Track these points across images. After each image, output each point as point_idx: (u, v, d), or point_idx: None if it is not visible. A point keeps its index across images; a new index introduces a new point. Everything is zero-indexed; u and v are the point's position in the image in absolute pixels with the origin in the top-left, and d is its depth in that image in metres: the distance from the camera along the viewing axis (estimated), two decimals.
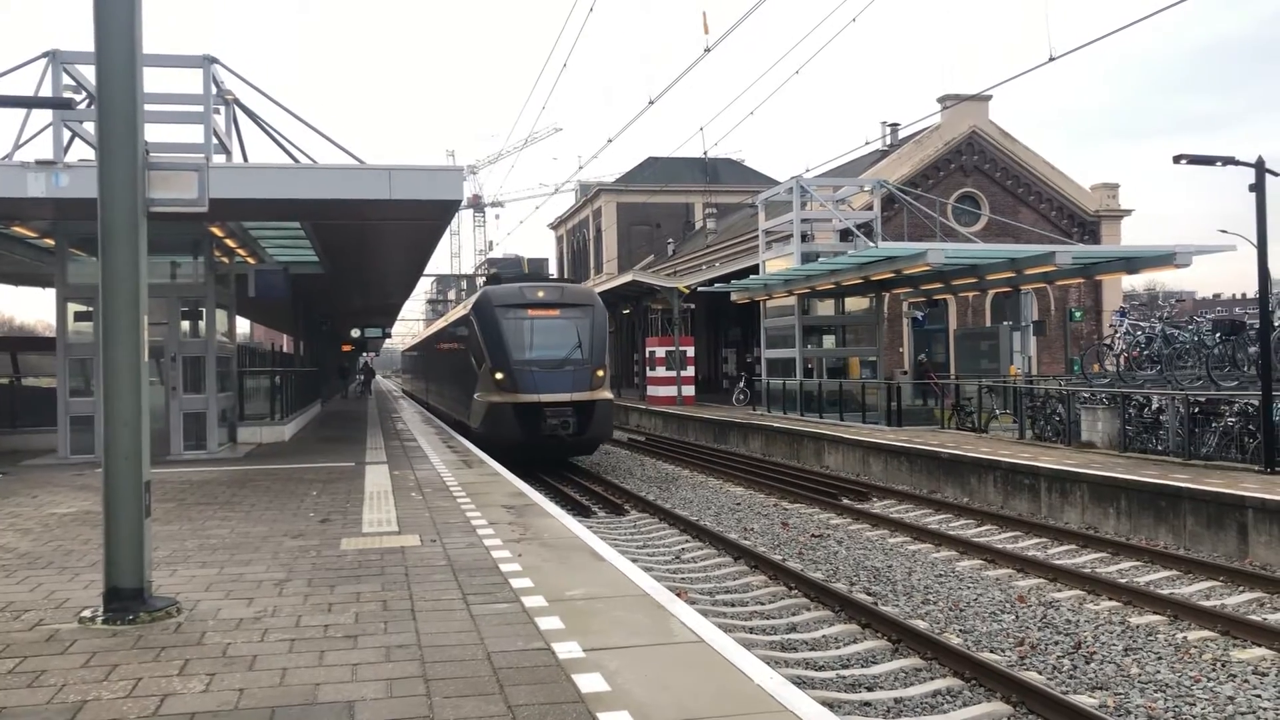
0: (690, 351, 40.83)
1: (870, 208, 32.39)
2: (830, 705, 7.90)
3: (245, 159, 18.54)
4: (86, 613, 6.88)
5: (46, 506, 12.22)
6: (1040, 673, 8.69)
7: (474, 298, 25.28)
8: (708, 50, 18.94)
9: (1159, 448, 17.48)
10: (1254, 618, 10.11)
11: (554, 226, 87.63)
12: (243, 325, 40.20)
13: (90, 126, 15.69)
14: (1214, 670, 8.72)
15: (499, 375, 21.64)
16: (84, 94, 16.83)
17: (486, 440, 21.59)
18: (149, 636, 6.40)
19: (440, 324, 39.57)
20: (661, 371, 39.34)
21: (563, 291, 23.68)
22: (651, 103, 23.10)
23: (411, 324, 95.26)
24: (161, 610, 6.86)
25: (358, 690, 5.31)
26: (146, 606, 6.85)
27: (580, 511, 17.48)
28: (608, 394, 22.89)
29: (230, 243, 19.89)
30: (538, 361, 21.85)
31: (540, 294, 23.13)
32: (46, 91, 16.37)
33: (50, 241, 18.27)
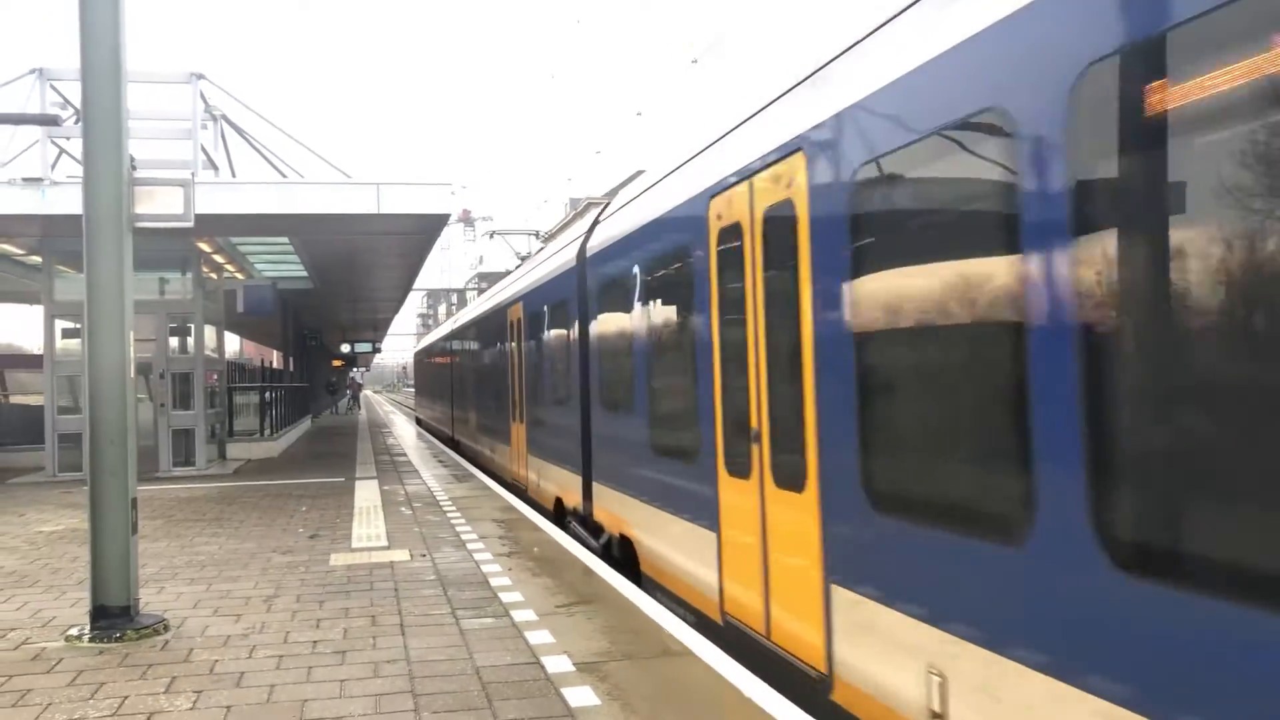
0: None
1: None
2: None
3: (234, 175, 18.53)
4: (73, 631, 6.84)
5: (34, 525, 12.15)
6: None
7: None
8: (694, 62, 19.02)
9: None
10: None
11: (544, 240, 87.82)
12: (232, 341, 40.13)
13: (77, 143, 15.70)
14: None
15: None
16: (71, 110, 16.81)
17: None
18: (136, 654, 6.35)
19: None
20: None
21: None
22: (639, 115, 23.00)
23: (404, 338, 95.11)
24: (149, 628, 6.82)
25: (345, 707, 5.28)
26: (134, 624, 6.81)
27: None
28: None
29: (219, 258, 19.88)
30: None
31: None
32: (34, 108, 16.35)
33: (37, 258, 18.23)
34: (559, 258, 12.53)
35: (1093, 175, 3.38)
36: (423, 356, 43.22)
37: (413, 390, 69.83)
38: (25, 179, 14.04)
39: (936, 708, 4.19)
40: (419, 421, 43.08)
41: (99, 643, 6.60)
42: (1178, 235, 3.10)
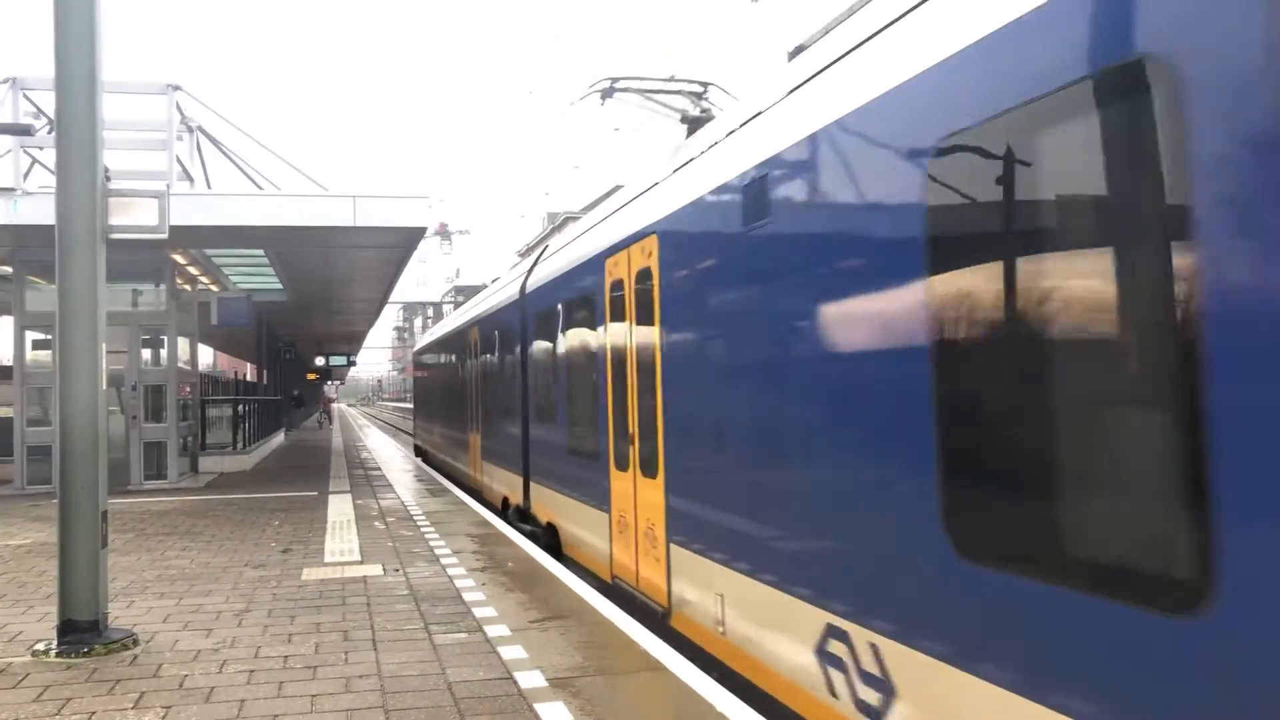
0: None
1: None
2: None
3: (209, 186, 18.44)
4: (40, 646, 6.76)
5: (0, 539, 12.00)
6: None
7: None
8: (672, 78, 19.13)
9: None
10: None
11: (522, 254, 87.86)
12: (205, 353, 39.79)
13: (50, 153, 15.59)
14: None
15: None
16: (44, 120, 16.70)
17: None
18: (104, 669, 6.29)
19: None
20: None
21: None
22: (616, 130, 22.97)
23: (379, 351, 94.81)
24: (118, 642, 6.75)
25: None
26: (102, 639, 6.74)
27: None
28: None
29: (193, 270, 19.76)
30: None
31: None
32: (7, 117, 16.22)
33: (8, 269, 18.05)
34: None
35: None
36: (436, 353, 24.92)
37: (391, 404, 64.18)
38: None
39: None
40: (419, 453, 29.07)
41: (66, 658, 6.53)
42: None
